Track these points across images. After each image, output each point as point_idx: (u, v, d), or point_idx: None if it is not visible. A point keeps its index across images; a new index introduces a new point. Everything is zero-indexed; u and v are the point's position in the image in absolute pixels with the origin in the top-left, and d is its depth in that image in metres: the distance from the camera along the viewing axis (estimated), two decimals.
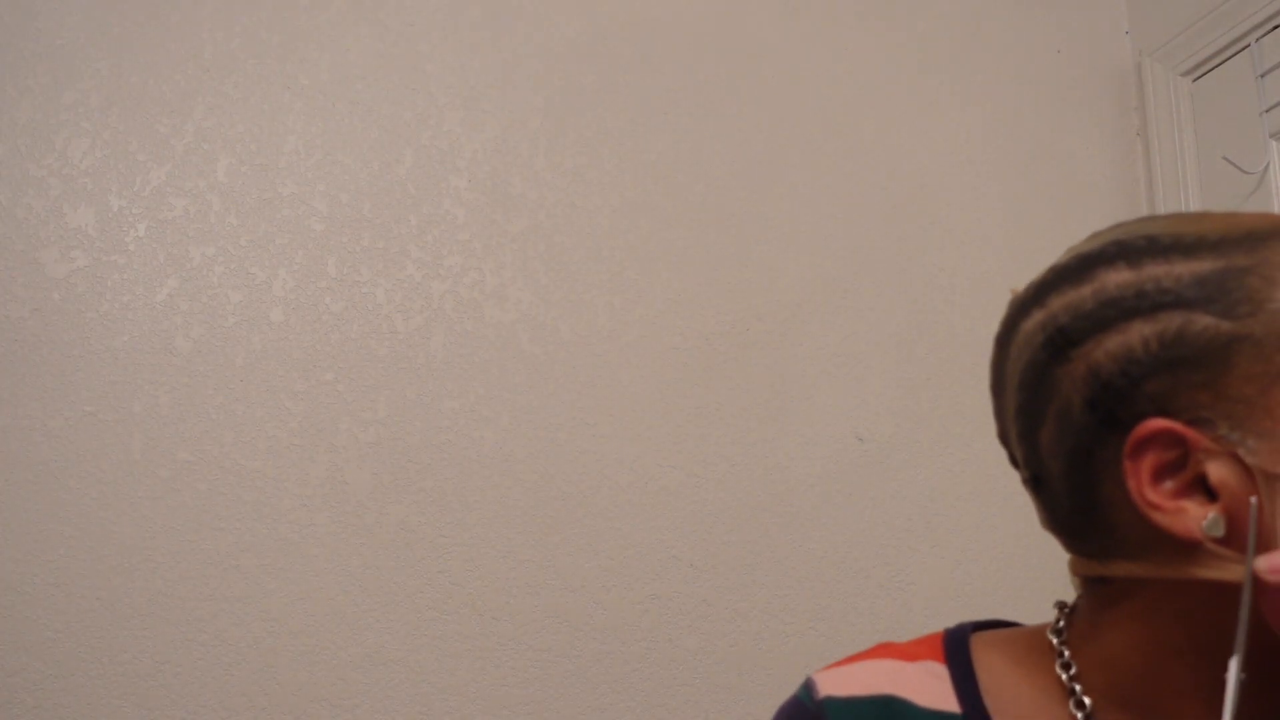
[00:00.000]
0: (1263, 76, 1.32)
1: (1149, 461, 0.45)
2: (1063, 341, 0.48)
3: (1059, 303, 0.49)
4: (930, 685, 0.54)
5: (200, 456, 1.14)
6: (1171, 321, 0.45)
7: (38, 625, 1.06)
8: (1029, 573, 1.32)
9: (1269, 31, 1.32)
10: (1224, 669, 0.46)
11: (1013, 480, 1.42)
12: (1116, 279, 0.47)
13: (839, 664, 0.57)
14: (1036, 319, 0.50)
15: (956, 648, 0.56)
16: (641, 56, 1.37)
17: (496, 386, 1.23)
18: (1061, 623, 0.54)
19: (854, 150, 1.42)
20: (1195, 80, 1.45)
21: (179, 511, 1.12)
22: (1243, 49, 1.35)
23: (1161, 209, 1.46)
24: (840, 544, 1.29)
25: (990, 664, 0.55)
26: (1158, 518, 0.45)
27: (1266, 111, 1.31)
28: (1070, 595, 0.56)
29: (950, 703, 0.53)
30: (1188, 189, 1.43)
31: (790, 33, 1.44)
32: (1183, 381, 0.45)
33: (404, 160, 1.27)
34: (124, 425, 1.13)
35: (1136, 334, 0.46)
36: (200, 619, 1.10)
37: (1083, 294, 0.48)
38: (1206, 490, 0.45)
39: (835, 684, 0.55)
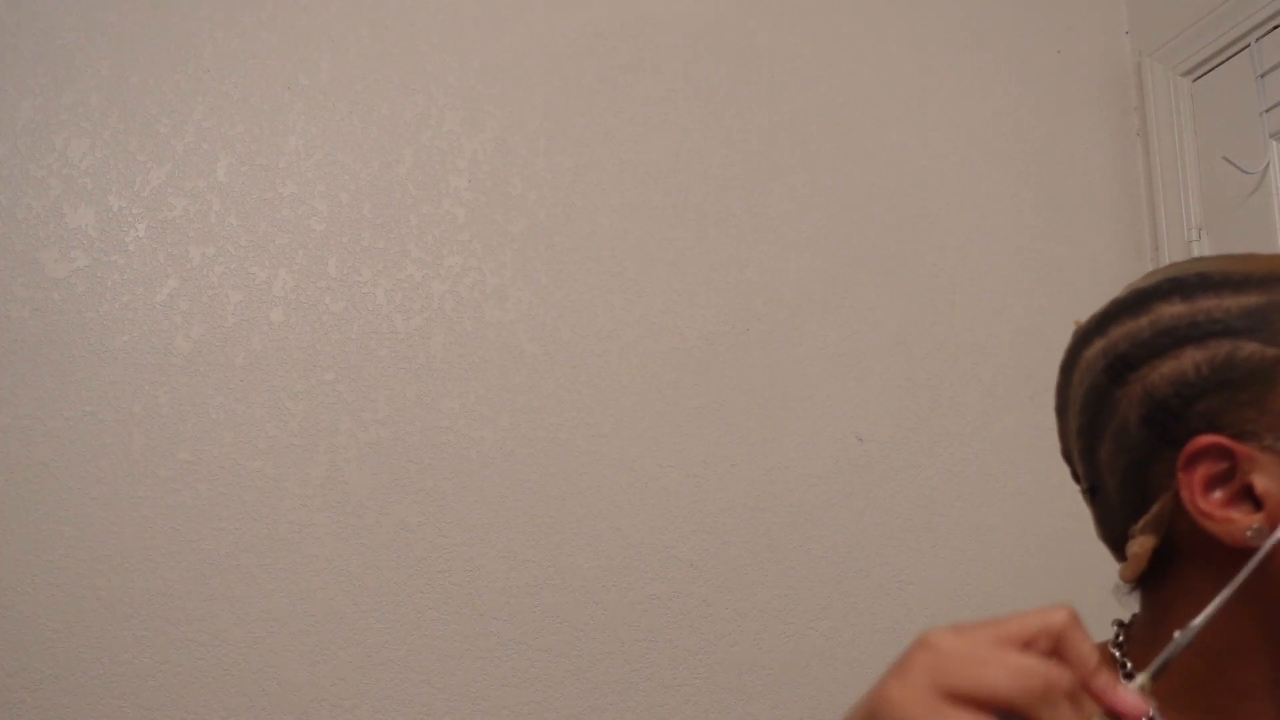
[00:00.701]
0: (1263, 76, 1.32)
1: (1200, 473, 0.50)
2: (1122, 366, 0.53)
3: (1119, 332, 0.54)
4: None
5: (200, 456, 1.14)
6: (1221, 348, 0.50)
7: (38, 625, 1.06)
8: (1029, 572, 1.32)
9: (1269, 31, 1.32)
10: None
11: (1012, 480, 1.42)
12: (1172, 311, 0.52)
13: None
14: (1098, 347, 0.55)
15: None
16: (641, 56, 1.37)
17: (496, 386, 1.23)
18: (1121, 637, 0.58)
19: (854, 150, 1.42)
20: (1195, 80, 1.45)
21: (179, 511, 1.12)
22: (1243, 49, 1.35)
23: (1161, 209, 1.46)
24: (840, 544, 1.29)
25: None
26: (1209, 525, 0.49)
27: (1266, 111, 1.31)
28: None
29: None
30: (1188, 189, 1.43)
31: (790, 33, 1.44)
32: (1231, 400, 0.50)
33: (404, 160, 1.27)
34: (124, 425, 1.13)
35: (1189, 359, 0.51)
36: (200, 619, 1.10)
37: (1140, 324, 0.53)
38: (1253, 499, 0.49)
39: None
